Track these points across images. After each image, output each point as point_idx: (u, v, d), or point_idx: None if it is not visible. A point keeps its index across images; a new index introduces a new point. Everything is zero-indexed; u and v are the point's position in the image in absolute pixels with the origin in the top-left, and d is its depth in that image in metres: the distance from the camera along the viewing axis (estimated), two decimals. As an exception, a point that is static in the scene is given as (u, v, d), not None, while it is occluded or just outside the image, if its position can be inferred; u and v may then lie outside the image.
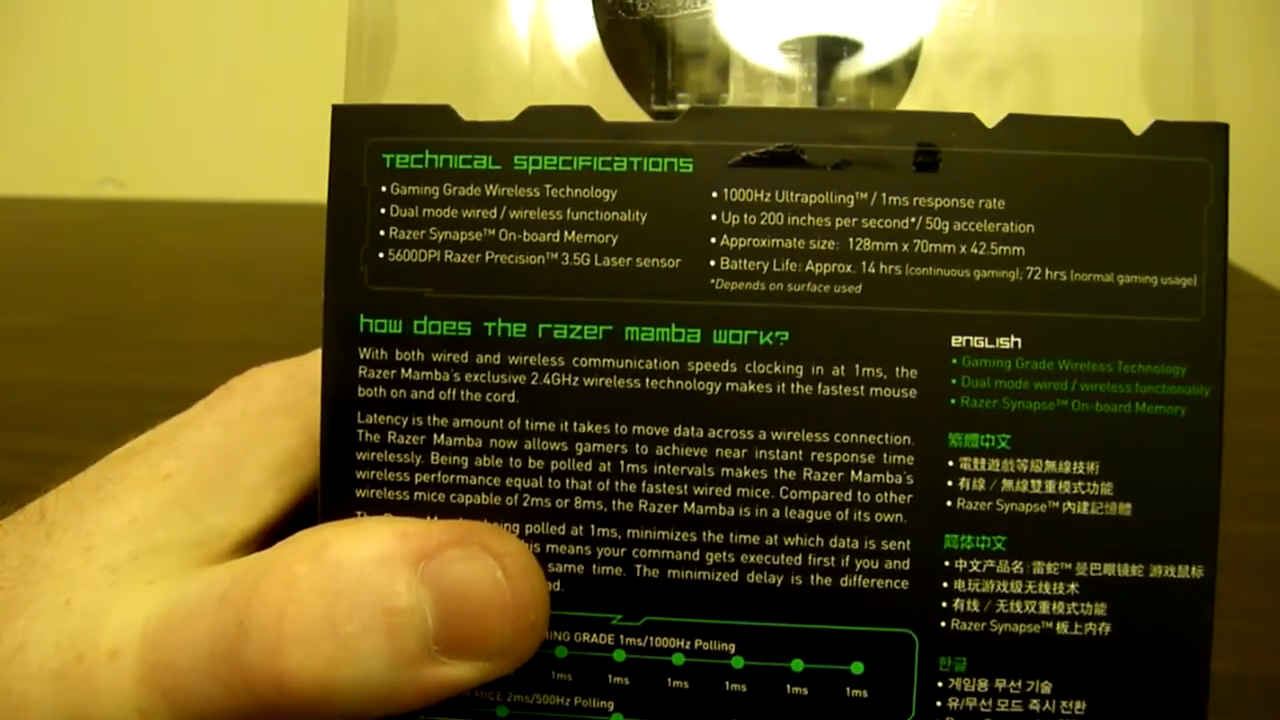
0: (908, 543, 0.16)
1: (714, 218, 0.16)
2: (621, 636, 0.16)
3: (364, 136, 0.16)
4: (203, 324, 0.56)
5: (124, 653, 0.15)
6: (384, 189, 0.16)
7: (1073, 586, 0.16)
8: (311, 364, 0.18)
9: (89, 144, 0.90)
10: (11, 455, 0.40)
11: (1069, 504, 0.16)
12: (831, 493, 0.16)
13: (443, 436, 0.16)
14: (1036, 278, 0.16)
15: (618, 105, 0.19)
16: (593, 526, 0.16)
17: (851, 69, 0.19)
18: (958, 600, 0.16)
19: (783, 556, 0.16)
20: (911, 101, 0.19)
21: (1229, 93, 0.17)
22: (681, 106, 0.19)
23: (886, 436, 0.16)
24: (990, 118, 0.16)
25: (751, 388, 0.16)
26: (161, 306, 0.60)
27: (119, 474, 0.17)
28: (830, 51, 0.18)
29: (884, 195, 0.16)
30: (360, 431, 0.16)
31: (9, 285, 0.65)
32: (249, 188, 0.82)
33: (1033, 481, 0.16)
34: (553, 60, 0.19)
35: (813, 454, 0.16)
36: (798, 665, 0.16)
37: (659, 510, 0.16)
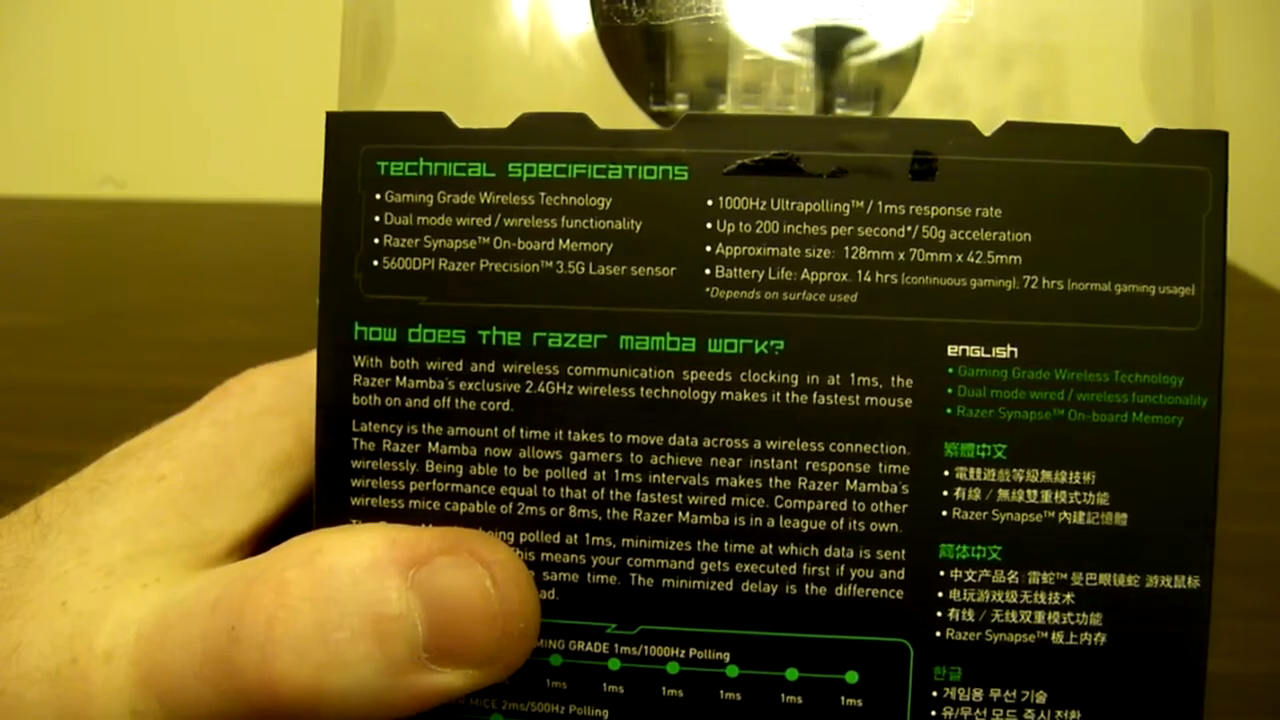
0: (903, 552, 0.16)
1: (709, 226, 0.16)
2: (616, 645, 0.16)
3: (358, 143, 0.16)
4: (203, 324, 0.56)
5: (118, 655, 0.15)
6: (378, 196, 0.16)
7: (1068, 596, 0.16)
8: (306, 365, 0.18)
9: (89, 144, 0.89)
10: (11, 455, 0.39)
11: (1065, 514, 0.16)
12: (827, 502, 0.16)
13: (437, 445, 0.16)
14: (1033, 286, 0.16)
15: (616, 107, 0.19)
16: (587, 535, 0.16)
17: (854, 58, 0.18)
18: (953, 610, 0.16)
19: (778, 566, 0.16)
20: (918, 86, 0.18)
21: (1231, 89, 0.17)
22: (680, 107, 0.19)
23: (882, 446, 0.16)
24: (992, 107, 0.16)
25: (747, 397, 0.16)
26: (161, 306, 0.60)
27: (114, 475, 0.17)
28: (831, 41, 0.18)
29: (880, 204, 0.16)
30: (355, 440, 0.16)
31: (9, 285, 0.64)
32: (249, 188, 0.82)
33: (1029, 491, 0.16)
34: (549, 66, 0.19)
35: (808, 463, 0.16)
36: (792, 674, 0.16)
37: (654, 519, 0.16)
